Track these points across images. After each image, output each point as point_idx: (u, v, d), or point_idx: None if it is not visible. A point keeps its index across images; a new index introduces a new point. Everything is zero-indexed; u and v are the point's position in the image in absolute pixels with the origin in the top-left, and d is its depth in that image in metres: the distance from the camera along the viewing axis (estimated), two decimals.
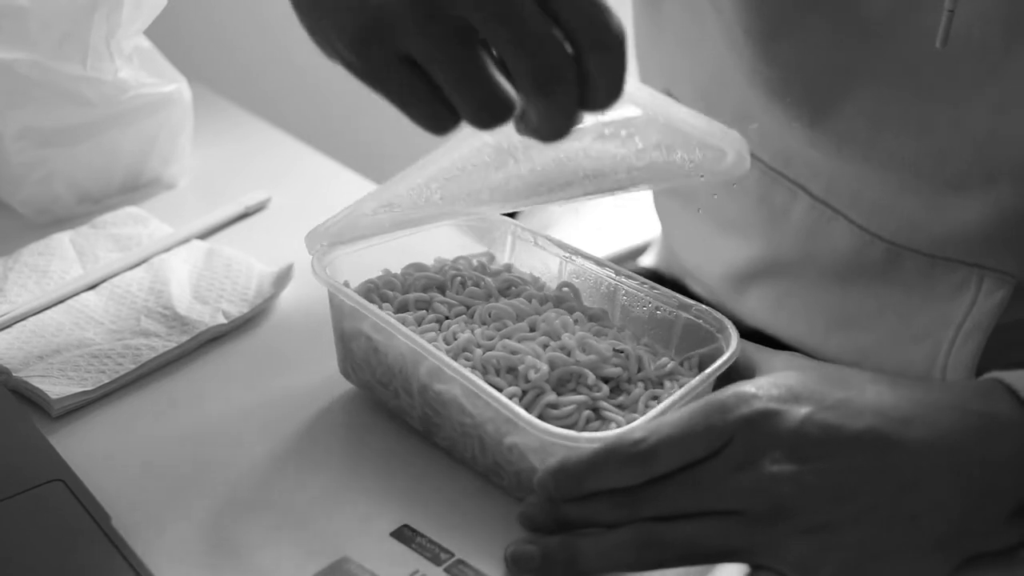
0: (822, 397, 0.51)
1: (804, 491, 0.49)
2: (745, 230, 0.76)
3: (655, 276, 0.93)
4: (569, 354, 0.57)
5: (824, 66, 0.66)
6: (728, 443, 0.49)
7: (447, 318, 0.62)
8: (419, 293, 0.63)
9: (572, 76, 0.45)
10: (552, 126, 0.47)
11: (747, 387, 0.51)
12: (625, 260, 1.00)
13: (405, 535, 0.54)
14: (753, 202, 0.74)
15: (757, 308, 0.78)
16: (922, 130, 0.64)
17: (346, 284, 0.63)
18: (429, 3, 0.44)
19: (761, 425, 0.49)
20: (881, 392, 0.52)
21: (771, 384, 0.51)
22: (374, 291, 0.63)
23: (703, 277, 0.83)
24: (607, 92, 0.46)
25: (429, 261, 0.67)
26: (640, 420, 0.53)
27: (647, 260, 0.96)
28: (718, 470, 0.49)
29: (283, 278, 0.72)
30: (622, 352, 0.58)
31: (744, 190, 0.75)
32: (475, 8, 0.44)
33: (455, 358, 0.57)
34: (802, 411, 0.50)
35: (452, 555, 0.53)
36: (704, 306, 0.60)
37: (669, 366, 0.59)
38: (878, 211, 0.68)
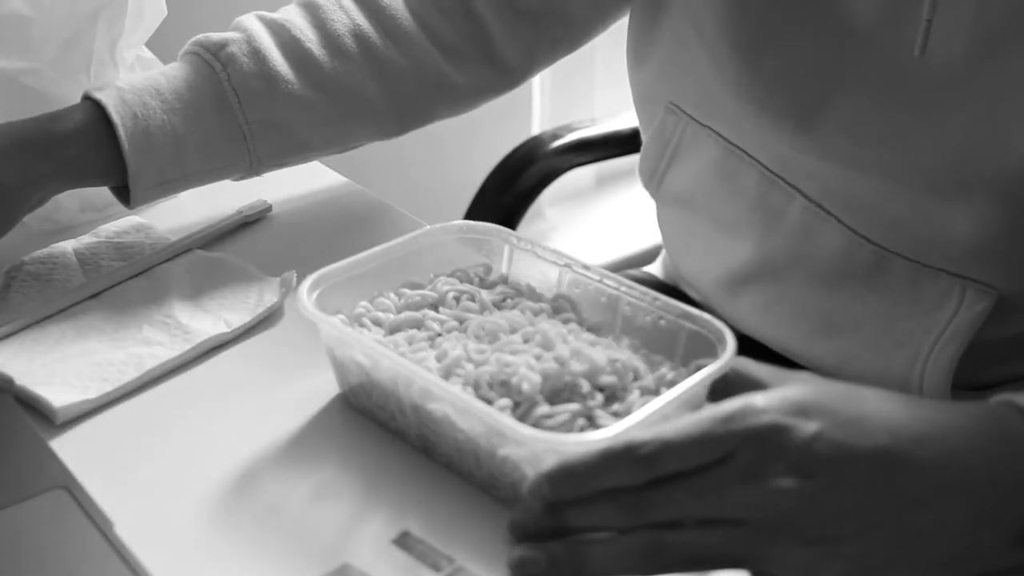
0: (834, 414, 0.50)
1: (808, 505, 0.48)
2: (741, 232, 0.77)
3: (655, 283, 0.94)
4: (563, 364, 0.57)
5: (806, 77, 0.68)
6: (734, 453, 0.49)
7: (440, 335, 0.62)
8: (410, 312, 0.63)
9: None
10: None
11: (755, 399, 0.50)
12: (628, 267, 1.00)
13: (406, 542, 0.54)
14: (751, 203, 0.75)
15: (747, 313, 0.78)
16: (900, 141, 0.66)
17: (338, 311, 0.63)
18: None
19: (769, 439, 0.49)
20: (893, 411, 0.51)
21: (780, 398, 0.50)
22: (365, 315, 0.63)
23: (698, 283, 0.84)
24: None
25: (426, 275, 0.67)
26: (627, 421, 0.52)
27: (654, 268, 0.97)
28: (723, 479, 0.49)
29: (285, 286, 0.73)
30: (617, 361, 0.58)
31: (743, 192, 0.76)
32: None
33: (447, 375, 0.57)
34: (812, 427, 0.49)
35: (453, 562, 0.53)
36: (707, 316, 0.59)
37: (669, 376, 0.58)
38: (867, 213, 0.70)
